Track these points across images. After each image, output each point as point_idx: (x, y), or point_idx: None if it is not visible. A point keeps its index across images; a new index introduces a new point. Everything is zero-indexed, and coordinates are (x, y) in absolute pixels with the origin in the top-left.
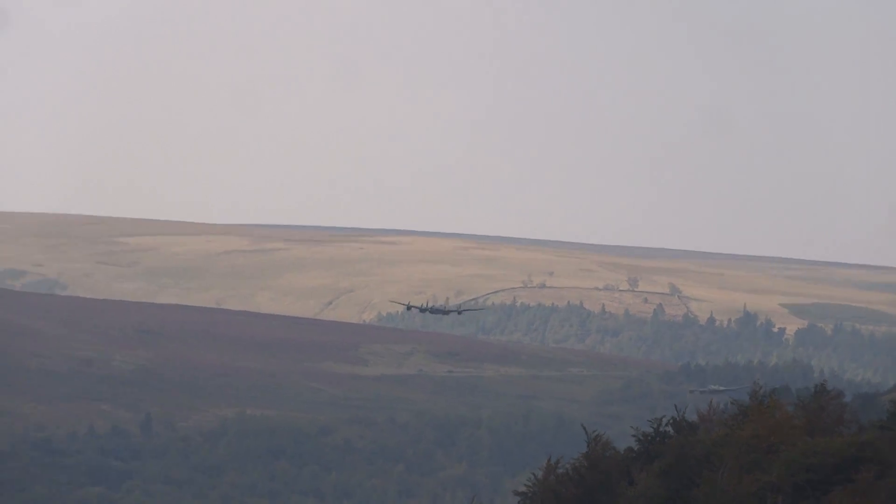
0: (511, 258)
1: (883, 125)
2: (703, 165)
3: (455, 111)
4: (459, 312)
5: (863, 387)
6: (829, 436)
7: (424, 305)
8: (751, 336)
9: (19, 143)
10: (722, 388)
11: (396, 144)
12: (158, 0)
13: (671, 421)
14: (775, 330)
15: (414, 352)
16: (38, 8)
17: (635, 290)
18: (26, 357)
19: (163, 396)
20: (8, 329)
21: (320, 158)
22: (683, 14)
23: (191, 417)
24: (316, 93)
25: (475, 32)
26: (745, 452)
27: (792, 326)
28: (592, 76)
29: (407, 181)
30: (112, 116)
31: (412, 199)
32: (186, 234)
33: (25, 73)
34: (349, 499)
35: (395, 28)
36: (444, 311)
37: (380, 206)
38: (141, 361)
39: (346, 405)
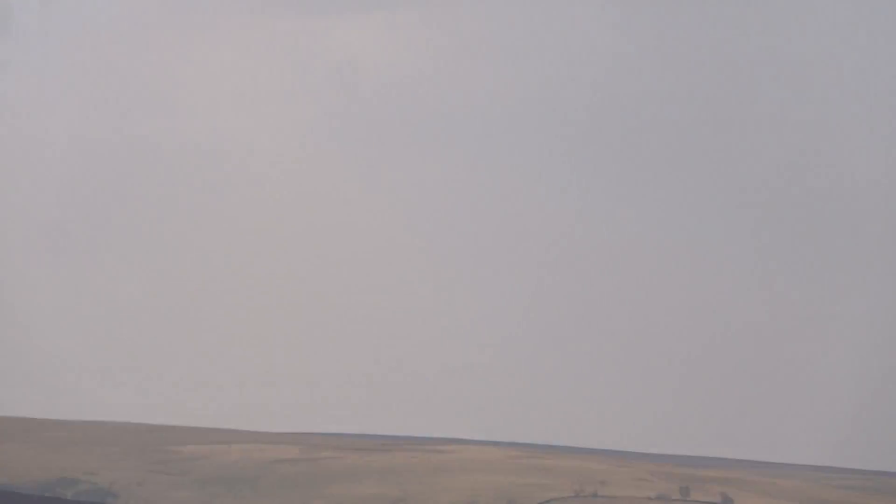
0: (563, 467)
1: None
2: (760, 374)
3: (501, 319)
4: None
5: None
6: None
7: None
8: None
9: (71, 354)
10: None
11: (447, 352)
12: None
13: None
14: None
15: None
16: None
17: (687, 499)
18: None
19: None
20: None
21: (371, 364)
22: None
23: None
24: (366, 299)
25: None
26: None
27: None
28: (641, 275)
29: (458, 388)
30: (158, 323)
31: (464, 407)
32: (238, 441)
33: None
34: None
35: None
36: None
37: (431, 414)
38: None
39: None
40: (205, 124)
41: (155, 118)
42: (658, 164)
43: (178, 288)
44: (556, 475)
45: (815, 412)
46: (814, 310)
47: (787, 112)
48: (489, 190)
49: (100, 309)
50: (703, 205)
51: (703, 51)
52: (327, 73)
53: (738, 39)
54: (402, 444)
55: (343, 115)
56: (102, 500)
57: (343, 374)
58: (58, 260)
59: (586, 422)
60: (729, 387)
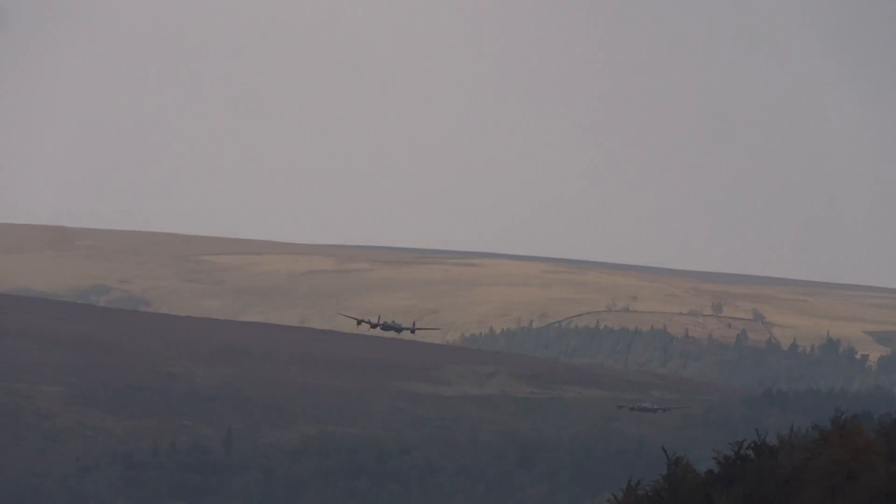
0: (596, 282)
1: None
2: (792, 194)
3: (542, 136)
4: (413, 331)
5: None
6: None
7: (376, 321)
8: (833, 362)
9: (111, 160)
10: (655, 406)
11: (483, 167)
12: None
13: (752, 445)
14: (858, 357)
15: (496, 373)
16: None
17: (719, 315)
18: (110, 372)
19: (245, 413)
20: (92, 345)
21: (406, 180)
22: None
23: (273, 434)
24: (405, 116)
25: (565, 58)
26: (826, 477)
27: (875, 353)
28: (679, 105)
29: (493, 203)
30: (200, 136)
31: (498, 222)
32: (272, 252)
33: (118, 83)
34: None
35: (489, 50)
36: (397, 329)
37: (465, 229)
38: (224, 378)
39: (428, 424)
40: None
41: None
42: None
43: (216, 101)
44: (589, 290)
45: (846, 232)
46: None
47: None
48: None
49: (137, 118)
50: None
51: None
52: None
53: None
54: (436, 258)
55: None
56: (135, 308)
57: (379, 187)
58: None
59: (619, 238)
60: (762, 204)
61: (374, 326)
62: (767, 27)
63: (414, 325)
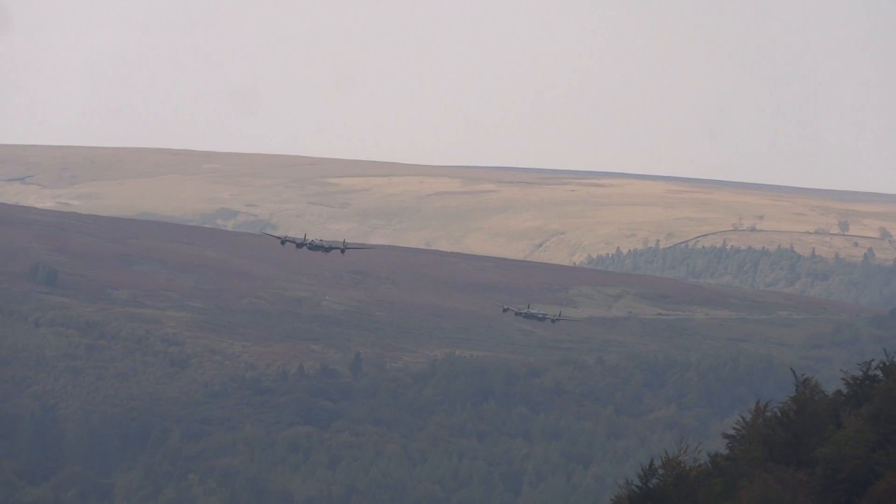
0: (722, 201)
1: None
2: None
3: (669, 55)
4: (343, 251)
5: None
6: None
7: (303, 240)
8: None
9: (233, 83)
10: (542, 313)
11: (610, 87)
12: None
13: (881, 365)
14: None
15: (623, 294)
16: None
17: (846, 233)
18: (238, 297)
19: (372, 337)
20: (220, 269)
21: (533, 99)
22: None
23: (400, 358)
24: (534, 36)
25: None
26: None
27: None
28: (807, 25)
29: (620, 123)
30: (324, 58)
31: (624, 141)
32: (398, 174)
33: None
34: (557, 440)
35: None
36: (324, 248)
37: (592, 149)
38: (351, 302)
39: (556, 347)
40: None
41: None
42: None
43: (346, 23)
44: (714, 209)
45: None
46: None
47: None
48: None
49: (264, 38)
50: None
51: None
52: None
53: None
54: (563, 178)
55: None
56: (261, 231)
57: (505, 108)
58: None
59: (743, 157)
60: (888, 121)
61: (299, 246)
62: None
63: (344, 243)
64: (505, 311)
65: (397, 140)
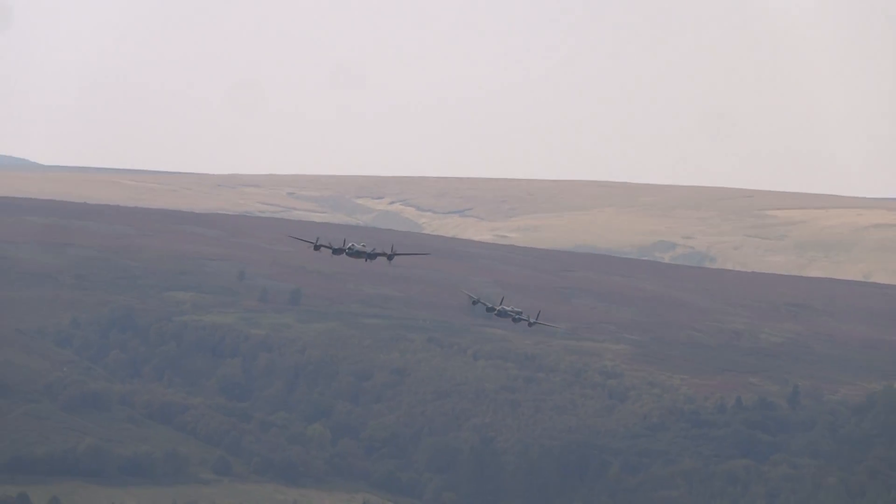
0: None
1: None
2: None
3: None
4: (390, 258)
5: None
6: None
7: (341, 246)
8: None
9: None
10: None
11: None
12: None
13: None
14: None
15: None
16: None
17: None
18: (675, 329)
19: (810, 369)
20: (657, 301)
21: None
22: None
23: (838, 390)
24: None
25: None
26: None
27: None
28: None
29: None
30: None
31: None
32: (836, 206)
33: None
34: None
35: None
36: (367, 255)
37: None
38: (789, 334)
39: None
40: None
41: None
42: None
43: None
44: None
45: None
46: None
47: None
48: None
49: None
50: None
51: None
52: None
53: None
54: None
55: None
56: (699, 264)
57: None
58: None
59: None
60: None
61: (336, 252)
62: None
63: (392, 248)
64: (475, 304)
65: (833, 171)
